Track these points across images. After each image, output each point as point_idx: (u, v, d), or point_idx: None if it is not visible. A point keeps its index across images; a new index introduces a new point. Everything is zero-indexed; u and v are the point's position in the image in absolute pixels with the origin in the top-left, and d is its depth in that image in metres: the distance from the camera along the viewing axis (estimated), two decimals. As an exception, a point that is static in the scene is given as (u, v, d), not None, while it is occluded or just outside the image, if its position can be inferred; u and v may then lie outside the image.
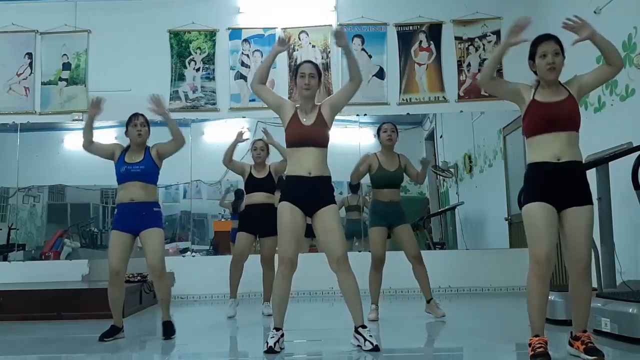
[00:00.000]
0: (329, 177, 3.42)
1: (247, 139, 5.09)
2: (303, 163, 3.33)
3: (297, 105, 3.48)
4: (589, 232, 2.89)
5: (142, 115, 3.99)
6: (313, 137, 3.34)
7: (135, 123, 3.93)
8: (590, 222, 2.88)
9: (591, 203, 2.90)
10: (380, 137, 4.56)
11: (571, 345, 2.96)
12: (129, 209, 3.85)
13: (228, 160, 5.00)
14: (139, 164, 3.89)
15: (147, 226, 3.85)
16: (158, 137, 4.09)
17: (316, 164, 3.33)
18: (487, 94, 6.67)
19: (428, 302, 4.48)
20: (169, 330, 3.89)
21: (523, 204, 2.95)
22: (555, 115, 2.86)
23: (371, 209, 4.58)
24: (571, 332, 2.98)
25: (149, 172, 3.91)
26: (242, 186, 5.25)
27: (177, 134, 3.94)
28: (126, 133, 3.96)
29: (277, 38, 3.57)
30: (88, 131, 3.97)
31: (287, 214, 3.33)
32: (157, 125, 4.13)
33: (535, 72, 3.00)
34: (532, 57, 2.98)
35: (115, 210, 4.00)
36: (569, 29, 2.91)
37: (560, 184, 2.85)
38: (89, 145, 3.97)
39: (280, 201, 3.38)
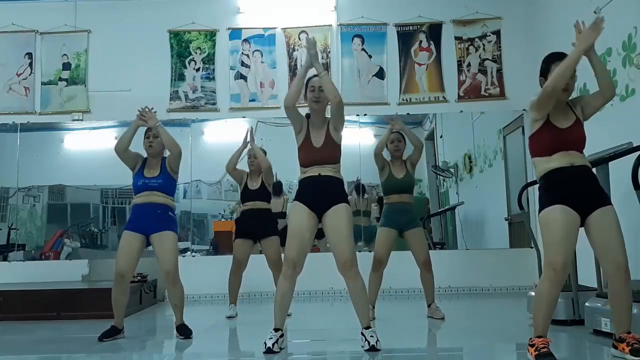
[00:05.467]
0: (341, 180, 3.42)
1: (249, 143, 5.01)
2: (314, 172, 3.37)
3: (308, 118, 3.48)
4: (618, 231, 2.79)
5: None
6: (325, 158, 3.38)
7: (148, 135, 3.94)
8: (616, 220, 2.81)
9: (611, 203, 2.85)
10: (388, 148, 4.61)
11: (615, 347, 2.81)
12: (142, 208, 3.84)
13: (233, 167, 4.97)
14: (156, 178, 3.89)
15: (161, 229, 3.82)
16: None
17: (328, 172, 3.37)
18: (487, 94, 6.70)
19: (429, 306, 4.53)
20: (185, 331, 3.87)
21: (541, 209, 2.86)
22: (568, 141, 2.85)
23: (383, 212, 4.62)
24: (614, 335, 2.86)
25: (166, 185, 3.92)
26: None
27: (169, 144, 3.90)
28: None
29: (306, 42, 3.43)
30: (129, 137, 3.91)
31: (296, 215, 3.35)
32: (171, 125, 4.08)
33: None
34: (544, 74, 2.92)
35: (130, 211, 4.00)
36: (576, 30, 2.87)
37: (579, 187, 2.80)
38: (124, 151, 3.91)
39: (293, 201, 3.41)
